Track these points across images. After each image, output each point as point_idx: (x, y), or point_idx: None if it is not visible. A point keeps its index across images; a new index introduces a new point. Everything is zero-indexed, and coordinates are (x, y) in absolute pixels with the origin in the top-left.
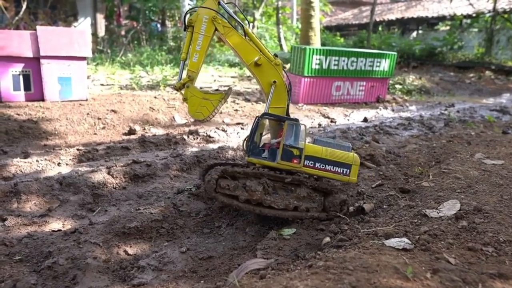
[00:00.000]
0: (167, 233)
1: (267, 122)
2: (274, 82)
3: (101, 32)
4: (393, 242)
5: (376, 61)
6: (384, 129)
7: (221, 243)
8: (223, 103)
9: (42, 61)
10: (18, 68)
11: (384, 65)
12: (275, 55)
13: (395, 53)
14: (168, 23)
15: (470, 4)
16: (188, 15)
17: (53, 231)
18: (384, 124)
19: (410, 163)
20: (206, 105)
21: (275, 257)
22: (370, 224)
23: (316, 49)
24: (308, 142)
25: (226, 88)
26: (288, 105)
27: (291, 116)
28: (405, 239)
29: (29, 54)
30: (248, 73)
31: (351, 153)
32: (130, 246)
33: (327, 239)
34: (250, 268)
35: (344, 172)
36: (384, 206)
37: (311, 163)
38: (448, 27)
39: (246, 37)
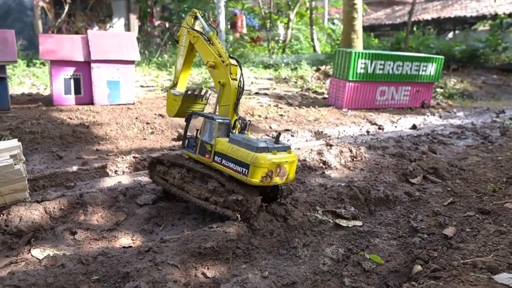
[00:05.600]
0: (243, 254)
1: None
2: (219, 82)
3: (134, 33)
4: (503, 278)
5: (423, 65)
6: (438, 138)
7: (301, 266)
8: (203, 103)
9: (92, 65)
10: (69, 72)
11: (431, 69)
12: (231, 57)
13: (442, 57)
14: None
15: None
16: (177, 32)
17: (124, 247)
18: (436, 132)
19: (477, 178)
20: (174, 105)
21: (365, 285)
22: (462, 252)
23: (362, 53)
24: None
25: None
26: (236, 105)
27: (241, 115)
28: None
29: (80, 58)
30: (283, 75)
31: (256, 153)
32: (208, 268)
33: (419, 267)
34: None
35: (243, 171)
36: (467, 229)
37: (219, 159)
38: (486, 27)
39: (211, 44)
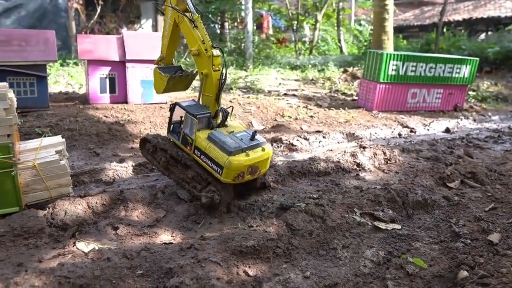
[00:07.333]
0: (283, 253)
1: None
2: (202, 73)
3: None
4: None
5: (456, 67)
6: (473, 142)
7: (341, 267)
8: (189, 80)
9: (127, 64)
10: (105, 71)
11: (465, 71)
12: (214, 47)
13: (477, 58)
14: (226, 25)
15: None
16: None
17: (165, 243)
18: (471, 136)
19: None
20: (161, 83)
21: None
22: (510, 259)
23: (394, 55)
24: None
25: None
26: (218, 95)
27: (222, 106)
28: None
29: (116, 58)
30: (311, 76)
31: (230, 157)
32: (249, 267)
33: (465, 273)
34: None
35: (217, 171)
36: None
37: (198, 153)
38: None
39: (195, 27)
